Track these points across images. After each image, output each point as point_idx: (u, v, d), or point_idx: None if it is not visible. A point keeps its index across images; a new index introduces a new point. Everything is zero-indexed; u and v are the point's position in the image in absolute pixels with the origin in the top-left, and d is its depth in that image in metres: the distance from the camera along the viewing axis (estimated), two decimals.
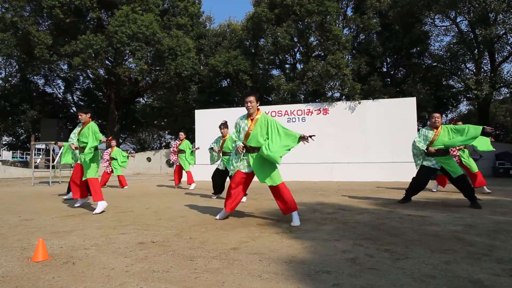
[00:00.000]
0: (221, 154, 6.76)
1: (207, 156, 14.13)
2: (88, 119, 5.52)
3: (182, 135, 9.44)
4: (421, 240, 3.20)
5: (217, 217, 4.38)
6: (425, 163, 5.43)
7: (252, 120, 4.17)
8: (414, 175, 5.65)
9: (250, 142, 4.14)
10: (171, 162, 9.86)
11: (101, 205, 5.19)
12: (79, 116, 5.52)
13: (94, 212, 5.09)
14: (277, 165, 4.13)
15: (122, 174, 10.19)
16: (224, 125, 6.72)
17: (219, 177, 6.76)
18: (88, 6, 16.72)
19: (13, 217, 4.82)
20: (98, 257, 2.77)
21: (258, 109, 4.23)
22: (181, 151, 9.28)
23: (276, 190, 4.07)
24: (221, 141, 6.77)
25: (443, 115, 21.67)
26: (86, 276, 2.35)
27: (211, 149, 6.82)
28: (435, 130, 5.36)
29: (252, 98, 4.10)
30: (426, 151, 5.35)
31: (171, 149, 9.68)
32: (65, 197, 7.06)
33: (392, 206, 5.45)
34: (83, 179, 5.42)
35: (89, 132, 5.38)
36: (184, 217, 4.64)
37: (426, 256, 2.67)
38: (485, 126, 4.95)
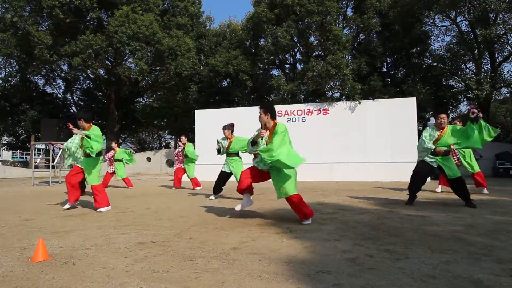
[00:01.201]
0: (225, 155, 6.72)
1: (208, 156, 14.08)
2: (89, 126, 5.41)
3: (183, 139, 9.16)
4: (421, 240, 3.20)
5: (237, 208, 4.29)
6: (426, 159, 5.42)
7: (269, 132, 4.14)
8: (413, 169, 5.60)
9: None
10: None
11: (104, 210, 5.33)
12: (79, 122, 5.39)
13: (98, 210, 5.26)
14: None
15: (126, 176, 10.12)
16: (227, 127, 6.62)
17: (223, 181, 6.78)
18: (88, 6, 16.71)
19: (13, 217, 4.82)
20: (98, 257, 2.77)
21: (273, 120, 4.13)
22: (186, 156, 9.05)
23: (289, 201, 4.07)
24: (228, 142, 6.66)
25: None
26: (86, 276, 2.35)
27: (219, 142, 6.70)
28: (440, 131, 5.32)
29: (260, 111, 4.15)
30: (432, 150, 5.29)
31: (175, 155, 9.48)
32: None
33: (392, 206, 5.45)
34: (87, 184, 5.42)
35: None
36: (184, 217, 4.64)
37: (426, 256, 2.67)
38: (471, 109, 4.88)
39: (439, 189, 7.54)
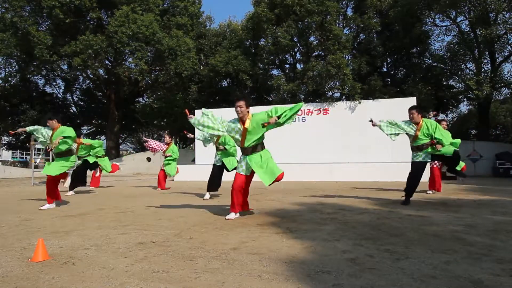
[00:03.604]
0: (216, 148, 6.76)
1: (207, 156, 14.05)
2: (58, 125, 5.59)
3: (167, 138, 8.99)
4: (421, 240, 3.19)
5: (227, 217, 4.39)
6: (414, 159, 5.57)
7: (244, 123, 4.26)
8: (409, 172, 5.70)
9: (247, 143, 4.28)
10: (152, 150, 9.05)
11: (47, 206, 5.49)
12: (48, 123, 5.56)
13: (40, 208, 5.44)
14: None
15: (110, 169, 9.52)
16: None
17: (219, 174, 6.73)
18: (88, 6, 16.72)
19: (13, 217, 4.81)
20: (98, 257, 2.77)
21: (248, 112, 4.31)
22: (168, 156, 8.91)
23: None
24: (216, 137, 6.58)
25: (444, 115, 21.68)
26: (86, 276, 2.35)
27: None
28: (416, 126, 5.54)
29: (241, 103, 4.21)
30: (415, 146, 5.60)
31: (154, 144, 9.00)
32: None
33: (392, 206, 5.45)
34: (42, 172, 5.60)
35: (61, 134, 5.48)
36: (184, 217, 4.64)
37: (426, 256, 2.66)
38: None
39: (430, 192, 7.39)
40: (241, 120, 4.28)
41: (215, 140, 6.67)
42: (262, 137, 4.34)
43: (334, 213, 4.77)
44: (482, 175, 13.96)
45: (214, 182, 6.76)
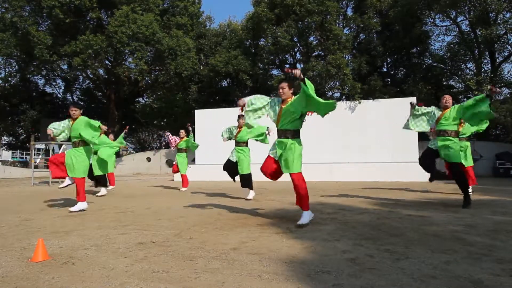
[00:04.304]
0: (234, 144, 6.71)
1: (207, 156, 14.05)
2: (79, 115, 5.42)
3: (182, 133, 9.09)
4: (421, 240, 3.19)
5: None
6: (429, 144, 5.52)
7: (283, 103, 4.19)
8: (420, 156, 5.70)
9: (280, 124, 4.14)
10: (170, 145, 9.27)
11: (81, 205, 5.25)
12: (73, 111, 5.33)
13: (70, 209, 5.18)
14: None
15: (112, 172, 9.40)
16: (242, 116, 6.56)
17: (231, 167, 6.60)
18: (88, 6, 16.71)
19: (13, 217, 4.81)
20: (98, 257, 2.77)
21: (292, 95, 4.22)
22: (180, 150, 8.97)
23: (291, 178, 4.05)
24: (236, 131, 6.63)
25: None
26: (86, 276, 2.35)
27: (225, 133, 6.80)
28: (444, 110, 5.32)
29: (284, 84, 4.18)
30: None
31: (170, 139, 9.13)
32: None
33: (392, 206, 5.44)
34: (70, 175, 5.27)
35: (82, 124, 5.25)
36: (184, 217, 4.64)
37: (426, 256, 2.66)
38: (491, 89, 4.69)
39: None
40: (282, 102, 4.21)
41: (234, 135, 6.67)
42: (296, 124, 4.12)
43: (334, 213, 4.77)
44: (482, 175, 13.95)
45: (231, 170, 6.59)
